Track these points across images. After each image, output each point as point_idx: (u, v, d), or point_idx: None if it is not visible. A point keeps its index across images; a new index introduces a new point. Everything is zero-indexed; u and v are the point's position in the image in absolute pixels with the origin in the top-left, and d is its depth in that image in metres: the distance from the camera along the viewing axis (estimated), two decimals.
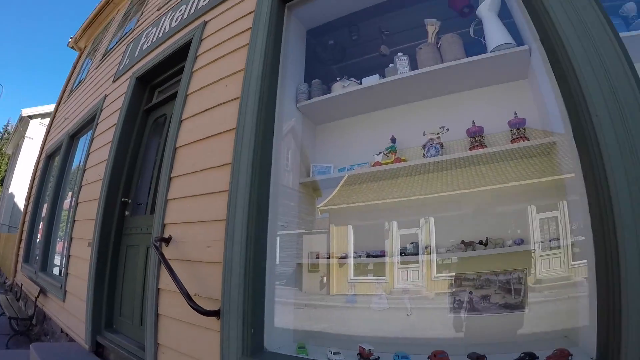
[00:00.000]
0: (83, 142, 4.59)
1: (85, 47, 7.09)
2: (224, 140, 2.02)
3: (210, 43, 2.54)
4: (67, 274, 3.47)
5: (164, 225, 2.22)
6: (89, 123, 4.23)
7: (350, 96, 2.15)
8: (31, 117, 14.27)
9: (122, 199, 3.00)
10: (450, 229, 1.92)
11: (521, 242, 1.69)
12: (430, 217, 1.95)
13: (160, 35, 3.25)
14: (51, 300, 3.82)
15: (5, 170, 20.85)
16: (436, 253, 1.85)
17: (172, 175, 2.30)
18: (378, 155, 2.07)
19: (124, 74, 3.68)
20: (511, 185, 1.75)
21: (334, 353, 1.53)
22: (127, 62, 3.76)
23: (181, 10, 3.10)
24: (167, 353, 1.99)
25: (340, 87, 2.17)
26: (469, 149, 1.85)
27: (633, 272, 1.04)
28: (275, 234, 1.83)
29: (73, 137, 4.84)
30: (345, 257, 2.12)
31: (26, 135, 14.49)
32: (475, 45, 1.94)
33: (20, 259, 5.61)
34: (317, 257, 2.15)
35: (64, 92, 6.70)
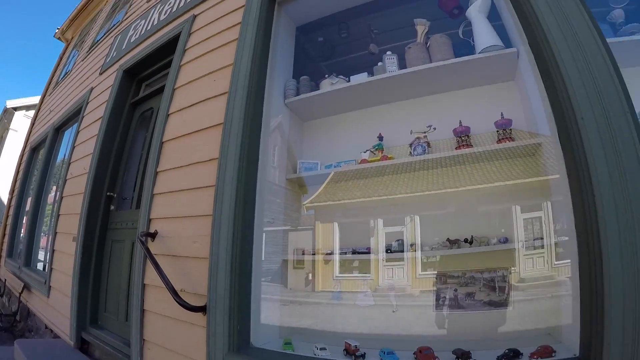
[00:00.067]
0: (68, 135, 4.47)
1: (73, 38, 6.89)
2: (212, 135, 1.98)
3: (199, 37, 2.48)
4: (51, 269, 3.39)
5: (149, 220, 2.17)
6: (74, 116, 4.11)
7: (338, 93, 2.14)
8: (16, 109, 13.81)
9: (108, 193, 2.93)
10: (436, 227, 1.93)
11: (506, 240, 1.71)
12: (416, 216, 1.96)
13: (148, 28, 3.17)
14: (35, 296, 3.73)
15: None
16: (421, 251, 1.86)
17: (158, 170, 2.25)
18: (365, 152, 2.06)
19: (111, 66, 3.58)
20: (496, 185, 1.77)
21: (320, 349, 1.53)
22: (114, 54, 3.66)
23: (170, 3, 3.02)
24: (153, 349, 1.96)
25: (329, 84, 2.16)
26: (456, 148, 1.85)
27: (616, 272, 1.05)
28: (261, 230, 1.80)
29: (58, 130, 4.70)
30: (331, 253, 2.12)
31: (10, 127, 14.00)
32: (464, 46, 1.94)
33: (4, 254, 5.44)
34: (303, 254, 2.14)
35: (49, 83, 6.50)
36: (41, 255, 4.37)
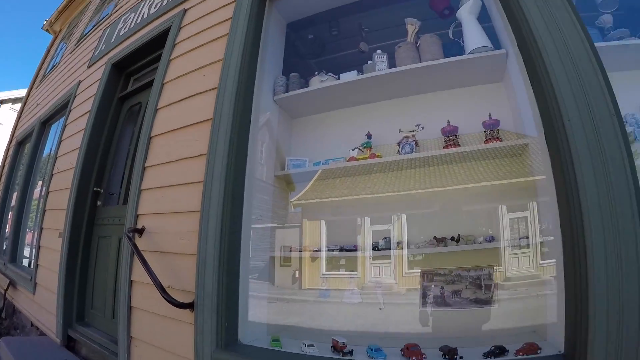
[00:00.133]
0: (55, 128, 4.36)
1: (61, 30, 6.70)
2: (200, 130, 1.95)
3: (189, 31, 2.44)
4: (37, 265, 3.32)
5: (137, 216, 2.14)
6: (61, 109, 4.00)
7: (328, 91, 2.13)
8: (2, 101, 13.45)
9: (95, 189, 2.88)
10: (423, 225, 1.93)
11: (492, 239, 1.72)
12: (403, 214, 1.96)
13: (138, 21, 3.10)
14: (21, 292, 3.66)
15: None
16: (408, 249, 1.86)
17: (146, 165, 2.21)
18: (353, 150, 2.05)
19: (99, 59, 3.49)
20: (483, 185, 1.78)
21: (308, 345, 1.53)
22: (103, 47, 3.57)
23: None
24: (140, 346, 1.94)
25: (318, 82, 2.14)
26: (443, 147, 1.86)
27: (600, 271, 1.07)
28: (249, 226, 1.79)
29: (45, 124, 4.58)
30: (318, 250, 2.11)
31: None
32: (453, 46, 1.95)
33: None
34: (290, 251, 2.13)
35: (36, 76, 6.33)
36: (27, 252, 4.28)
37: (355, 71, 2.07)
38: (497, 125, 1.79)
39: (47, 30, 7.14)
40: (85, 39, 4.44)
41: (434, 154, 1.87)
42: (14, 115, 7.49)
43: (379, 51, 2.06)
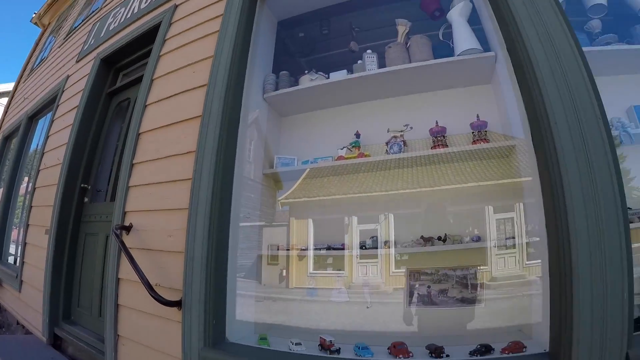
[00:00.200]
0: (42, 124, 4.26)
1: (50, 23, 6.54)
2: (189, 127, 1.92)
3: (179, 27, 2.40)
4: (23, 262, 3.26)
5: (124, 213, 2.10)
6: (49, 104, 3.91)
7: (317, 90, 2.11)
8: None
9: (82, 185, 2.82)
10: (410, 225, 1.94)
11: (478, 239, 1.74)
12: (391, 213, 1.96)
13: (128, 16, 3.03)
14: (6, 290, 3.58)
15: None
16: (395, 248, 1.87)
17: (134, 162, 2.18)
18: (342, 149, 2.05)
19: (88, 54, 3.41)
20: (471, 185, 1.79)
21: (295, 344, 1.52)
22: (92, 42, 3.49)
23: None
24: (127, 345, 1.91)
25: (308, 80, 2.13)
26: (431, 148, 1.86)
27: (584, 272, 1.09)
28: (237, 224, 1.77)
29: (32, 119, 4.47)
30: (306, 249, 2.10)
31: None
32: (443, 48, 1.95)
33: None
34: (278, 249, 2.12)
35: (24, 70, 6.16)
36: (12, 249, 4.19)
37: (345, 70, 2.06)
38: (485, 126, 1.81)
39: (35, 24, 6.95)
40: (74, 32, 4.34)
41: (422, 154, 1.88)
42: (1, 110, 7.30)
43: (369, 51, 2.05)
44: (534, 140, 1.34)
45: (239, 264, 1.78)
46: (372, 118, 2.15)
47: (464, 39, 1.84)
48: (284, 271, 2.10)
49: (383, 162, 1.97)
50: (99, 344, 2.11)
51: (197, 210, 1.68)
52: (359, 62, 2.06)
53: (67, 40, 4.46)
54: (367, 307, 1.86)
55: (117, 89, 3.03)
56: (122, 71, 3.13)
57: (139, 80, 2.54)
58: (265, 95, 2.18)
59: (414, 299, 1.68)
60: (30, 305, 2.93)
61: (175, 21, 2.47)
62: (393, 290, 1.85)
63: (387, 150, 1.92)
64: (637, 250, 1.41)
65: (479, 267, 1.67)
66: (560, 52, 1.29)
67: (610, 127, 1.24)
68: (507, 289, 1.64)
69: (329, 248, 2.00)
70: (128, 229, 2.02)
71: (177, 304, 1.63)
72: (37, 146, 4.05)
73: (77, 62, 3.60)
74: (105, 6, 3.84)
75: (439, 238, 1.76)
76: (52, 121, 3.52)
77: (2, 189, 4.69)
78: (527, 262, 1.58)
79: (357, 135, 2.09)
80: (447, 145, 1.85)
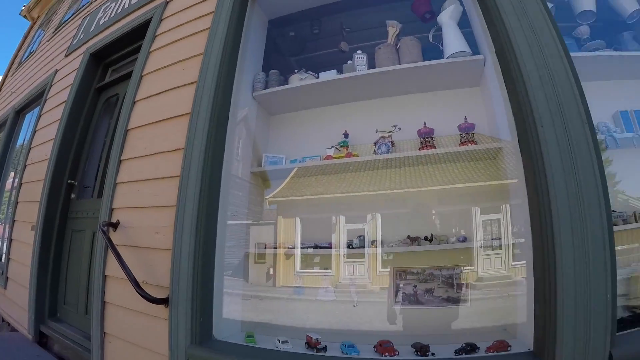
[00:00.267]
0: (29, 118, 4.12)
1: (39, 17, 6.36)
2: (178, 124, 1.88)
3: (170, 24, 2.35)
4: (8, 259, 3.18)
5: (111, 210, 2.05)
6: (37, 98, 3.80)
7: (307, 89, 2.09)
8: None
9: (69, 181, 2.75)
10: (397, 225, 1.93)
11: (464, 239, 1.74)
12: (378, 213, 1.95)
13: (119, 11, 2.96)
14: None
15: None
16: (382, 247, 1.86)
17: (122, 158, 2.13)
18: (330, 149, 2.03)
19: (77, 48, 3.32)
20: (457, 187, 1.79)
21: (282, 342, 1.51)
22: (81, 36, 3.39)
23: None
24: (114, 342, 1.88)
25: (298, 79, 2.10)
26: (419, 148, 1.86)
27: (568, 273, 1.10)
28: (225, 222, 1.74)
29: (19, 113, 4.33)
30: (293, 248, 2.09)
31: None
32: (433, 50, 1.94)
33: None
34: (265, 247, 2.09)
35: (12, 63, 5.98)
36: None
37: (334, 70, 2.04)
38: (473, 128, 1.81)
39: (25, 16, 6.76)
40: (63, 26, 4.22)
41: (410, 154, 1.87)
42: None
43: (359, 51, 2.03)
44: (520, 143, 1.34)
45: (226, 262, 1.75)
46: (361, 118, 2.13)
47: (453, 41, 1.83)
48: (271, 270, 2.08)
49: (371, 162, 1.96)
50: (85, 342, 2.07)
51: (185, 208, 1.65)
52: (349, 62, 2.04)
53: (56, 34, 4.34)
54: (354, 306, 1.85)
55: (106, 85, 2.96)
56: (112, 66, 3.06)
57: (128, 76, 2.49)
58: (255, 93, 2.14)
59: (401, 298, 1.67)
60: (15, 302, 2.86)
61: (166, 17, 2.42)
62: (380, 289, 1.85)
63: (375, 151, 1.91)
64: (621, 252, 1.44)
65: (462, 268, 1.67)
66: (548, 57, 1.29)
67: (596, 131, 1.25)
68: (492, 289, 1.64)
69: (316, 247, 1.98)
70: (115, 225, 1.97)
71: (164, 301, 1.60)
72: (24, 141, 3.94)
73: (66, 56, 3.50)
74: (95, 0, 3.75)
75: (426, 238, 1.76)
76: (39, 116, 3.42)
77: None
78: (512, 263, 1.59)
79: (346, 135, 2.07)
80: (434, 147, 1.84)
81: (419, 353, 1.36)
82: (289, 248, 2.07)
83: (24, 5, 6.64)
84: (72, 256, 2.61)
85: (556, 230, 1.13)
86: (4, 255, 3.40)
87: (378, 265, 1.87)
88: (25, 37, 6.34)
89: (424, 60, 1.87)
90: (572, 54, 1.31)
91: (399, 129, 1.94)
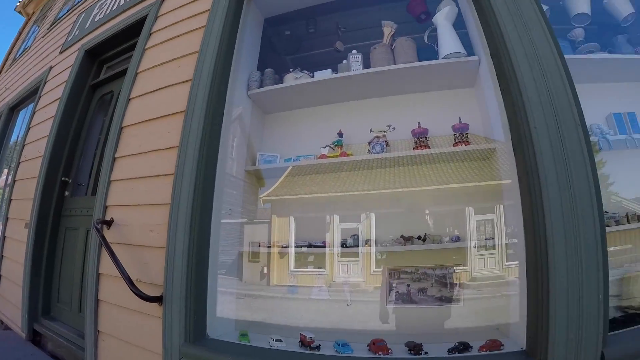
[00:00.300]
0: (23, 115, 4.07)
1: (34, 13, 6.26)
2: (173, 122, 1.87)
3: (165, 21, 2.32)
4: (2, 257, 3.14)
5: (105, 207, 2.03)
6: (31, 95, 3.74)
7: (302, 88, 2.08)
8: None
9: (63, 179, 2.71)
10: (391, 224, 1.93)
11: (458, 239, 1.74)
12: (372, 213, 1.95)
13: (114, 8, 2.92)
14: None
15: None
16: (376, 247, 1.86)
17: (116, 156, 2.10)
18: (325, 148, 2.02)
19: (72, 45, 3.27)
20: (451, 187, 1.79)
21: (276, 340, 1.50)
22: (76, 32, 3.34)
23: None
24: (107, 340, 1.86)
25: (293, 78, 2.09)
26: (413, 148, 1.86)
27: (560, 273, 1.10)
28: (219, 221, 1.73)
29: (13, 109, 4.28)
30: (287, 247, 2.08)
31: None
32: (428, 50, 1.94)
33: None
34: (259, 246, 2.08)
35: (6, 60, 5.90)
36: None
37: (329, 70, 2.03)
38: (467, 129, 1.81)
39: (19, 12, 6.66)
40: (58, 23, 4.16)
41: (404, 154, 1.87)
42: None
43: (354, 51, 2.02)
44: (514, 143, 1.34)
45: (220, 260, 1.74)
46: (356, 118, 2.12)
47: (448, 42, 1.83)
48: (265, 268, 2.07)
49: (365, 161, 1.95)
50: (78, 340, 2.05)
51: (179, 206, 1.63)
52: (344, 62, 2.03)
53: (51, 30, 4.28)
54: (348, 305, 1.85)
55: (100, 82, 2.92)
56: (107, 63, 3.02)
57: (123, 73, 2.45)
58: (250, 92, 2.13)
59: (394, 297, 1.67)
60: (9, 300, 2.82)
61: (162, 15, 2.39)
62: (373, 288, 1.84)
63: (369, 150, 1.90)
64: (614, 253, 1.45)
65: (455, 267, 1.68)
66: (542, 59, 1.30)
67: (590, 133, 1.26)
68: (485, 288, 1.65)
69: (310, 246, 1.98)
70: (109, 223, 1.95)
71: (158, 299, 1.59)
72: (18, 138, 3.90)
73: (61, 53, 3.45)
74: None
75: (419, 237, 1.76)
76: (33, 112, 3.38)
77: None
78: (505, 263, 1.59)
79: (340, 134, 2.06)
80: (428, 147, 1.84)
81: (412, 352, 1.36)
82: (283, 247, 2.06)
83: (19, 1, 6.54)
84: (66, 254, 2.58)
85: (549, 230, 1.13)
86: None
87: (372, 265, 1.87)
88: (20, 33, 6.24)
89: (419, 60, 1.87)
90: (566, 56, 1.31)
91: (394, 128, 1.94)
